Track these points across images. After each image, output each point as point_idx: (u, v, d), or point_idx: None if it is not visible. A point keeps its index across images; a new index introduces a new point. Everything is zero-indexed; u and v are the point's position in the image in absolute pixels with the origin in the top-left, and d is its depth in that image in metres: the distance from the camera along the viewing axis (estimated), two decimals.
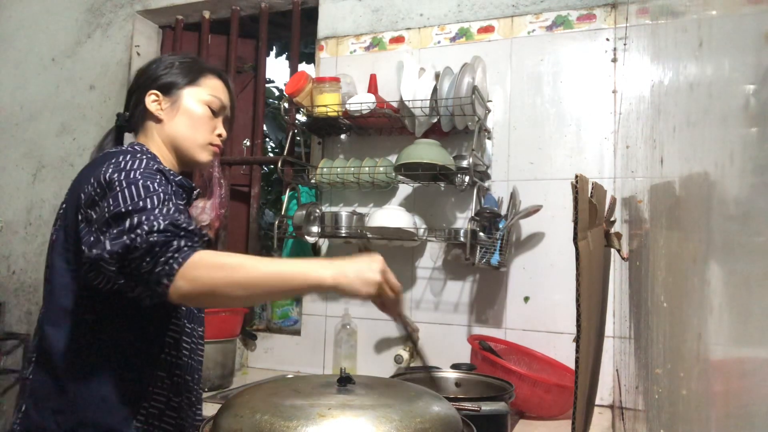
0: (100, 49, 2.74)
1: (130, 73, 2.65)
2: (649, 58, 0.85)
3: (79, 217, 1.02)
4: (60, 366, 1.05)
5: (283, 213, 2.13)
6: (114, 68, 2.69)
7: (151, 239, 0.89)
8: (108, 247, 0.91)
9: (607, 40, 1.92)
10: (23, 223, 2.80)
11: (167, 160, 1.19)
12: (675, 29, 0.55)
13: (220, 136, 1.23)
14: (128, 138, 1.26)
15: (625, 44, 1.61)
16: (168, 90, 1.19)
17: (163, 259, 0.89)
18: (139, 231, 0.90)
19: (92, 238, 0.95)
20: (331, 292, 0.95)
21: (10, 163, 2.87)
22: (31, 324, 2.72)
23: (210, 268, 0.90)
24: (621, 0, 1.82)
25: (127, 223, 0.92)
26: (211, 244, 1.03)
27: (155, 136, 1.19)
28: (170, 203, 0.97)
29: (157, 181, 1.00)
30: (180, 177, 1.13)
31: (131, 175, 0.98)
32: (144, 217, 0.92)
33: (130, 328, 1.07)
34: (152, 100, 1.18)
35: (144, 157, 1.06)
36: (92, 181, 1.01)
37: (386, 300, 0.97)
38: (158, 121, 1.19)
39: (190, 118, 1.19)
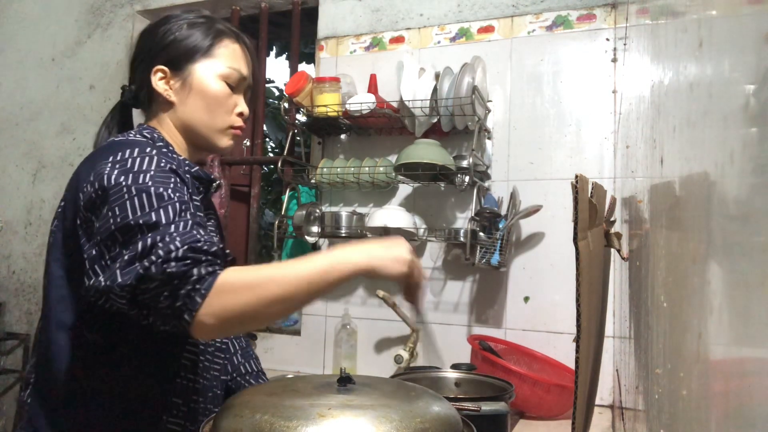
0: (100, 49, 2.74)
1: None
2: (649, 58, 0.85)
3: (78, 221, 0.88)
4: (57, 392, 0.92)
5: (283, 213, 2.13)
6: (114, 68, 2.69)
7: (168, 270, 0.76)
8: (119, 279, 0.77)
9: (607, 40, 1.92)
10: (23, 223, 2.80)
11: (181, 148, 1.03)
12: (675, 29, 0.55)
13: (241, 114, 1.05)
14: (137, 115, 1.12)
15: (625, 44, 1.61)
16: (177, 65, 1.00)
17: (183, 292, 0.77)
18: (153, 258, 0.77)
19: (97, 263, 0.82)
20: (363, 275, 0.85)
21: (10, 163, 2.87)
22: (31, 324, 2.73)
23: (237, 291, 0.78)
24: (621, 0, 1.82)
25: (140, 246, 0.78)
26: (235, 262, 0.93)
27: (166, 119, 1.03)
28: (187, 214, 0.83)
29: (171, 186, 0.85)
30: (197, 168, 0.99)
31: (140, 180, 0.84)
32: (159, 238, 0.78)
33: (139, 350, 0.92)
34: (159, 78, 1.01)
35: (155, 152, 0.89)
36: (92, 179, 0.86)
37: (413, 284, 0.90)
38: (168, 103, 1.02)
39: (205, 99, 1.00)
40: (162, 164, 0.88)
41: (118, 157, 0.87)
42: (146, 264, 0.77)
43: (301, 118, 2.24)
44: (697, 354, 0.39)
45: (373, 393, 0.82)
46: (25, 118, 2.86)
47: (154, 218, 0.80)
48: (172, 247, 0.77)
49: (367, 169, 2.00)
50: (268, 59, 2.77)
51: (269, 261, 2.44)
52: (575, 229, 0.76)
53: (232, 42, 1.04)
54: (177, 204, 0.83)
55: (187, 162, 0.99)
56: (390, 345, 2.11)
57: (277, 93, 4.24)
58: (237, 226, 2.52)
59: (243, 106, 1.05)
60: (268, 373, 1.33)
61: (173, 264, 0.77)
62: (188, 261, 0.77)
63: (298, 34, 2.52)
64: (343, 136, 2.23)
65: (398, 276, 0.86)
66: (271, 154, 4.00)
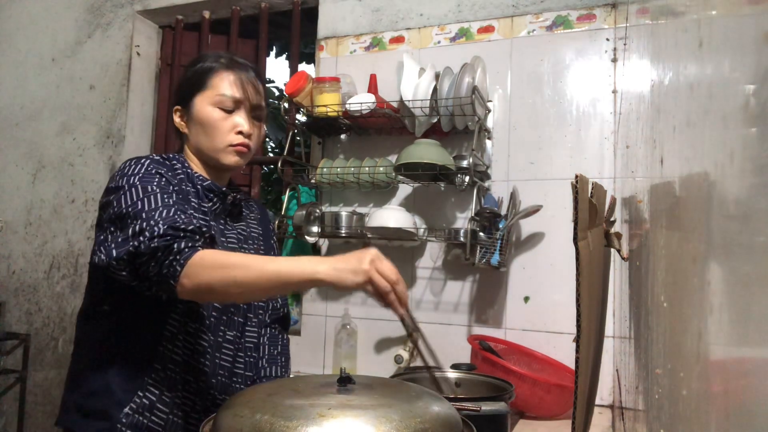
0: (100, 49, 2.74)
1: (130, 73, 2.66)
2: (649, 58, 0.85)
3: (97, 220, 1.12)
4: (82, 355, 1.17)
5: (283, 213, 2.13)
6: (114, 68, 2.69)
7: (152, 245, 0.96)
8: (114, 254, 0.99)
9: (607, 40, 1.92)
10: (23, 223, 2.80)
11: (201, 169, 1.22)
12: (675, 29, 0.55)
13: (242, 132, 1.19)
14: None
15: (625, 44, 1.61)
16: (184, 102, 1.21)
17: (167, 262, 0.96)
18: (141, 238, 0.97)
19: (101, 245, 1.03)
20: (324, 285, 0.97)
21: (10, 163, 2.87)
22: (31, 324, 2.73)
23: (208, 267, 0.96)
24: (621, 0, 1.82)
25: (131, 230, 0.99)
26: (214, 241, 1.08)
27: (186, 148, 1.24)
28: (170, 201, 1.03)
29: (156, 182, 1.06)
30: (209, 182, 1.20)
31: (131, 180, 1.06)
32: (145, 223, 0.98)
33: (132, 319, 1.13)
34: (176, 116, 1.23)
35: (147, 161, 1.11)
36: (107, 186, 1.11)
37: (380, 290, 0.95)
38: (184, 134, 1.23)
39: (203, 126, 1.18)
40: (149, 168, 1.09)
41: (121, 167, 1.11)
42: (136, 243, 0.97)
43: (301, 118, 2.24)
44: (697, 354, 0.39)
45: (373, 393, 0.82)
46: (25, 118, 2.86)
47: (139, 206, 1.01)
48: (156, 228, 0.97)
49: (367, 169, 2.00)
50: (268, 59, 2.77)
51: None
52: (575, 229, 0.76)
53: (224, 71, 1.20)
54: (159, 195, 1.03)
55: (199, 176, 1.19)
56: (390, 345, 2.11)
57: (277, 93, 4.24)
58: None
59: (242, 124, 1.19)
60: None
61: (156, 240, 0.96)
62: (169, 237, 0.97)
63: (298, 34, 2.52)
64: (343, 136, 2.23)
65: (355, 286, 0.94)
66: (271, 154, 4.00)
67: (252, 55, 2.65)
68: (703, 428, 0.38)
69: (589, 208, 0.84)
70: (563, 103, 1.96)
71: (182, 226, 0.99)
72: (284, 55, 3.97)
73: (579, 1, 1.96)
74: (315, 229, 2.05)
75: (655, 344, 0.64)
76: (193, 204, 1.13)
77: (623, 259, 1.11)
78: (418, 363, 2.01)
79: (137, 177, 1.06)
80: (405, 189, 2.12)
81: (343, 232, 1.99)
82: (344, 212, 2.02)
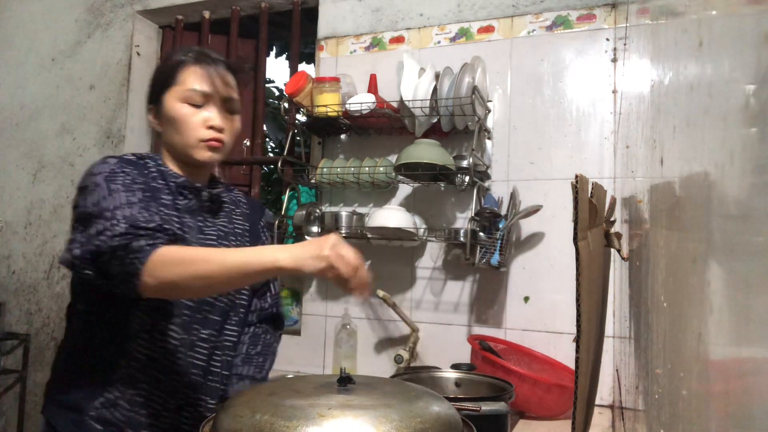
0: (100, 49, 2.74)
1: (130, 73, 2.66)
2: (649, 58, 0.85)
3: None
4: (62, 349, 1.21)
5: (283, 213, 2.13)
6: (114, 68, 2.69)
7: (112, 244, 0.97)
8: (78, 253, 1.00)
9: (607, 40, 1.92)
10: (23, 223, 2.80)
11: (176, 166, 1.21)
12: (675, 29, 0.55)
13: (213, 127, 1.17)
14: None
15: (625, 44, 1.61)
16: (156, 100, 1.20)
17: (127, 260, 0.96)
18: (102, 237, 0.98)
19: (69, 244, 1.04)
20: (286, 273, 0.98)
21: (10, 163, 2.87)
22: (31, 324, 2.73)
23: (169, 264, 0.96)
24: (621, 0, 1.82)
25: (94, 229, 1.00)
26: (180, 238, 1.08)
27: (161, 145, 1.23)
28: (134, 198, 1.04)
29: (120, 181, 1.07)
30: (182, 179, 1.19)
31: (96, 179, 1.07)
32: (108, 222, 0.99)
33: (101, 316, 1.15)
34: (150, 115, 1.22)
35: (115, 160, 1.11)
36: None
37: (341, 275, 0.95)
38: (158, 132, 1.23)
39: (173, 123, 1.17)
40: (115, 168, 1.09)
41: (89, 169, 1.11)
42: (97, 242, 0.98)
43: (301, 118, 2.24)
44: (697, 354, 0.39)
45: (373, 393, 0.82)
46: (25, 118, 2.86)
47: (103, 205, 1.02)
48: (117, 227, 0.98)
49: (367, 169, 2.00)
50: (268, 59, 2.77)
51: None
52: (575, 229, 0.76)
53: (192, 66, 1.18)
54: (123, 193, 1.04)
55: (172, 174, 1.19)
56: (390, 345, 2.11)
57: (277, 93, 4.24)
58: None
59: (213, 118, 1.17)
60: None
61: (117, 239, 0.97)
62: (129, 235, 0.97)
63: (298, 34, 2.52)
64: (343, 136, 2.23)
65: (316, 272, 0.94)
66: (271, 154, 4.00)
67: (252, 55, 2.66)
68: (703, 428, 0.38)
69: (589, 208, 0.84)
70: (563, 103, 1.96)
71: (143, 224, 0.99)
72: (284, 55, 3.97)
73: (579, 1, 1.96)
74: (315, 229, 2.05)
75: (655, 344, 0.64)
76: (164, 201, 1.13)
77: (623, 259, 1.11)
78: (418, 363, 2.01)
79: (102, 176, 1.06)
80: (405, 189, 2.12)
81: (343, 232, 1.99)
82: (344, 212, 2.02)
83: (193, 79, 1.17)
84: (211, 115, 1.17)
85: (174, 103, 1.16)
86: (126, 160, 1.14)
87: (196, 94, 1.16)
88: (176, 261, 0.97)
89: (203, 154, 1.18)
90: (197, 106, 1.17)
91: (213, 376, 1.23)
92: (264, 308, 1.37)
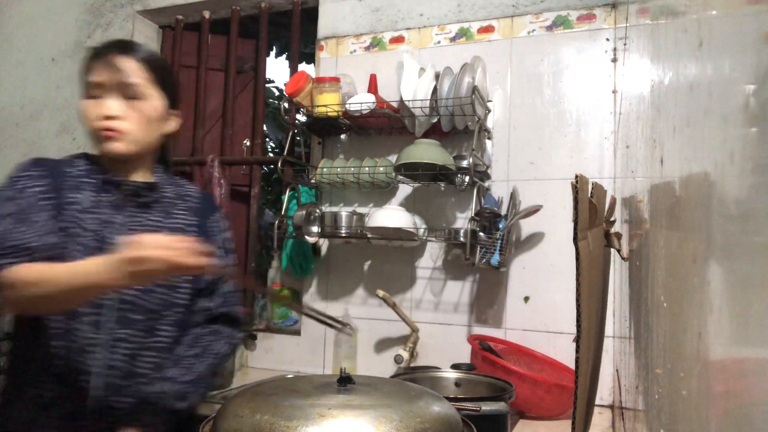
0: None
1: None
2: (649, 58, 0.85)
3: None
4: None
5: (283, 213, 2.13)
6: None
7: None
8: None
9: (607, 40, 1.92)
10: None
11: (102, 162, 1.21)
12: (675, 29, 0.55)
13: (108, 117, 1.13)
14: None
15: (625, 44, 1.61)
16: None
17: None
18: None
19: None
20: (109, 288, 1.02)
21: (10, 163, 2.86)
22: None
23: (18, 286, 1.00)
24: (621, 0, 1.83)
25: None
26: (53, 254, 1.08)
27: None
28: (4, 212, 1.08)
29: (5, 195, 1.13)
30: (105, 175, 1.19)
31: None
32: None
33: (20, 319, 1.20)
34: None
35: (21, 168, 1.19)
36: None
37: (161, 260, 0.93)
38: None
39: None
40: (11, 179, 1.18)
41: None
42: None
43: (301, 118, 2.24)
44: (697, 354, 0.39)
45: (373, 393, 0.82)
46: (25, 118, 2.86)
47: None
48: None
49: (367, 169, 2.00)
50: (268, 59, 2.77)
51: (269, 261, 2.44)
52: (575, 229, 0.76)
53: (91, 61, 1.17)
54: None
55: (94, 170, 1.20)
56: (390, 345, 2.11)
57: (277, 93, 4.24)
58: (237, 226, 2.52)
59: (106, 107, 1.14)
60: (268, 373, 1.32)
61: None
62: None
63: (298, 34, 2.52)
64: (343, 136, 2.23)
65: (129, 281, 0.96)
66: (271, 154, 4.00)
67: (252, 55, 2.66)
68: (703, 428, 0.38)
69: (589, 208, 0.84)
70: (563, 103, 1.96)
71: (6, 243, 1.03)
72: (284, 55, 3.97)
73: (579, 1, 1.96)
74: (315, 229, 2.05)
75: (654, 344, 0.64)
76: (74, 202, 1.14)
77: (623, 259, 1.11)
78: (419, 363, 2.01)
79: None
80: (405, 189, 2.12)
81: (343, 232, 1.99)
82: (344, 212, 2.02)
83: (89, 73, 1.16)
84: (103, 103, 1.14)
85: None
86: (40, 164, 1.19)
87: (92, 86, 1.15)
88: (25, 281, 0.99)
89: (101, 145, 1.16)
90: (97, 99, 1.15)
91: (138, 378, 1.15)
92: (209, 308, 1.28)
